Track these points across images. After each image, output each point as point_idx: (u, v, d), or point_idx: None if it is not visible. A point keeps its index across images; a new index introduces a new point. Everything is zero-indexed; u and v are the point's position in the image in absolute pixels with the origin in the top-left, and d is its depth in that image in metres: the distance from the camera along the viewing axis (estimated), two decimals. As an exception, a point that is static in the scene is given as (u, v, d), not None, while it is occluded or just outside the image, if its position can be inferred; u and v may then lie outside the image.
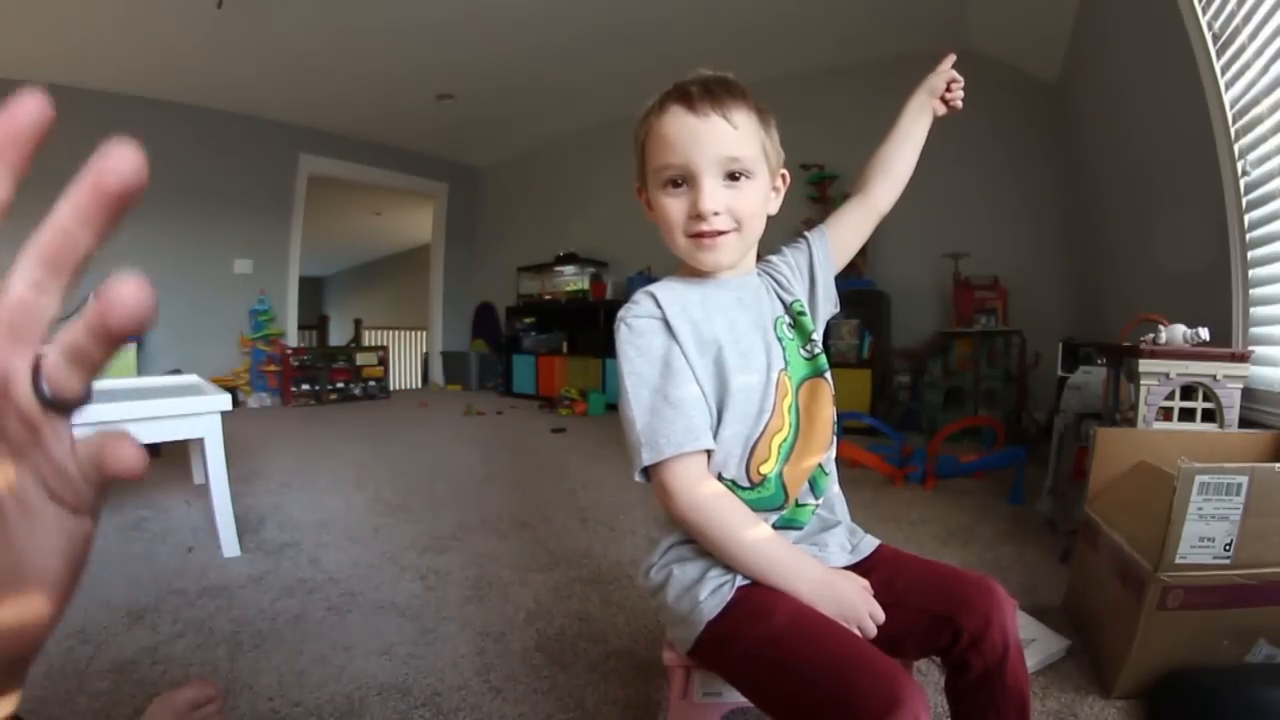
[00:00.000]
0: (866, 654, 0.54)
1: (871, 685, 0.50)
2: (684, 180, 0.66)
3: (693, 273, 0.72)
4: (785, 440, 0.68)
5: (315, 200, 5.54)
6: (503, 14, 3.47)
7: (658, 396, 0.64)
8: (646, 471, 0.65)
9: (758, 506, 0.66)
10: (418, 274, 7.69)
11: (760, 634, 0.59)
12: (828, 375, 0.73)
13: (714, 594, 0.63)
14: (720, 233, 0.66)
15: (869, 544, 0.74)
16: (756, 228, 0.70)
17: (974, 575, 0.65)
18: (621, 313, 0.68)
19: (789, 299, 0.76)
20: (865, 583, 0.63)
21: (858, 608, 0.60)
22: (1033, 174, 3.46)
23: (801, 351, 0.73)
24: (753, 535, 0.62)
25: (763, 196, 0.69)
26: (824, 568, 0.64)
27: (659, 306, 0.67)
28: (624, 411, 0.66)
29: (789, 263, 0.79)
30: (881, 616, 0.60)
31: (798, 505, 0.70)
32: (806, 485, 0.70)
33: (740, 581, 0.64)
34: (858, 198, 0.85)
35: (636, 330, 0.67)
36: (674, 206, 0.66)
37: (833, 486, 0.74)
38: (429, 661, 1.10)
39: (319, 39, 3.69)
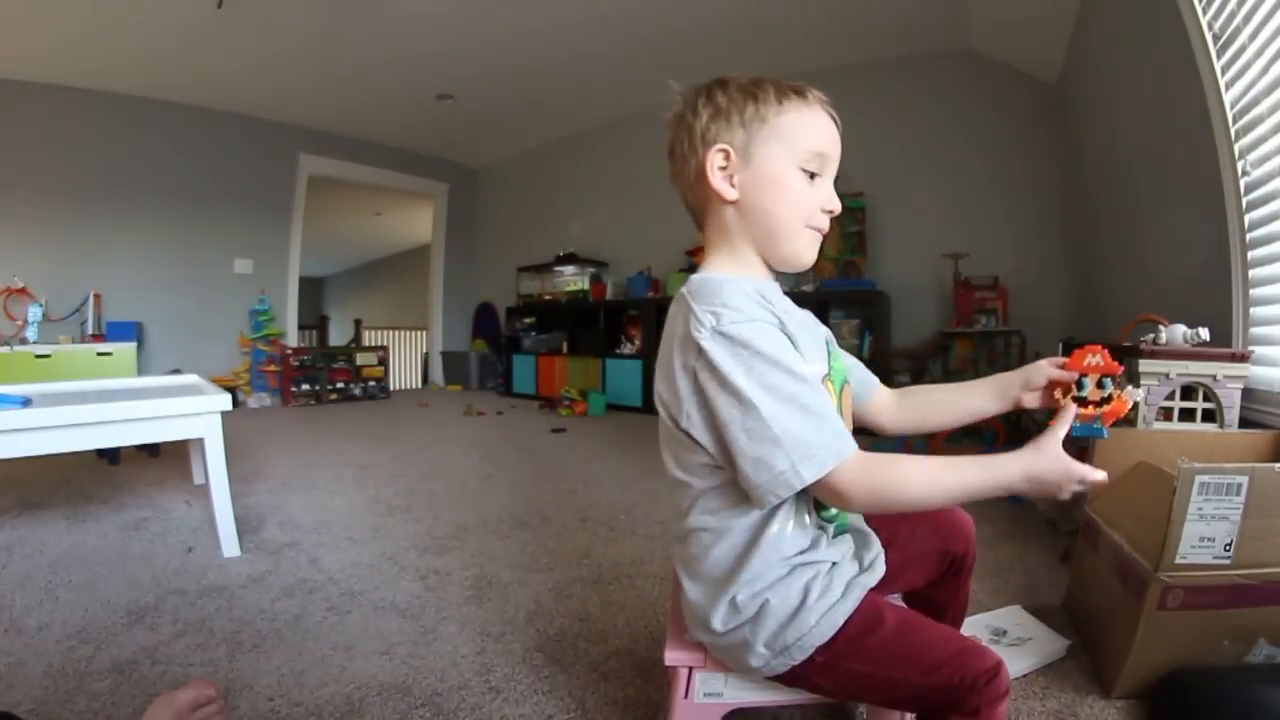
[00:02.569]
0: (960, 637, 0.62)
1: (977, 660, 0.58)
2: (815, 174, 0.66)
3: (744, 273, 0.68)
4: None
5: (315, 200, 5.54)
6: (503, 14, 3.47)
7: (794, 407, 0.57)
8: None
9: (826, 515, 0.67)
10: (418, 274, 7.70)
11: (878, 641, 0.62)
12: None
13: (825, 617, 0.62)
14: (824, 233, 0.68)
15: (861, 519, 0.77)
16: None
17: (944, 511, 0.80)
18: (722, 322, 0.59)
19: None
20: (1057, 456, 0.59)
21: (1065, 487, 0.59)
22: (1033, 174, 3.46)
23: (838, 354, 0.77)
24: (944, 482, 0.59)
25: None
26: (1020, 464, 0.59)
27: (767, 300, 0.63)
28: (754, 433, 0.57)
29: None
30: (1090, 476, 0.58)
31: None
32: None
33: (848, 605, 0.63)
34: (886, 400, 0.84)
35: (762, 334, 0.59)
36: (808, 194, 0.66)
37: None
38: (429, 661, 1.09)
39: (319, 39, 3.68)
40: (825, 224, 0.67)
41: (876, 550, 0.72)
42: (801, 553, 0.65)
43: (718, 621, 0.65)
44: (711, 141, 0.66)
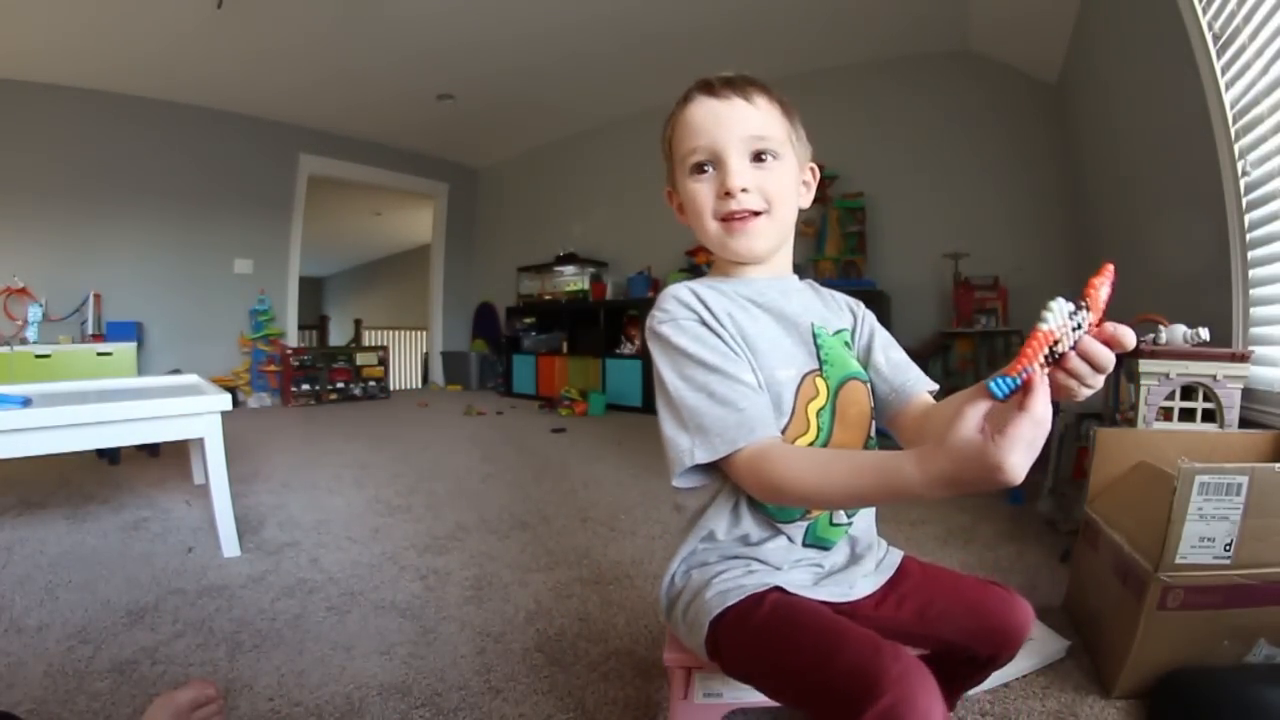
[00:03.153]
0: (849, 635, 0.51)
1: (854, 664, 0.48)
2: (711, 164, 0.66)
3: (722, 274, 0.71)
4: (810, 445, 0.64)
5: (315, 200, 5.54)
6: (503, 14, 3.47)
7: (702, 395, 0.60)
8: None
9: (779, 517, 0.65)
10: (418, 274, 7.70)
11: (750, 631, 0.59)
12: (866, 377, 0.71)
13: (718, 595, 0.62)
14: (752, 214, 0.65)
15: (894, 559, 0.73)
16: (788, 214, 0.68)
17: (998, 599, 0.66)
18: (653, 322, 0.66)
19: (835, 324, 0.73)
20: (959, 449, 0.43)
21: (990, 481, 0.41)
22: (1033, 174, 3.45)
23: (849, 351, 0.72)
24: (822, 485, 0.52)
25: (793, 181, 0.68)
26: (917, 467, 0.45)
27: (699, 300, 0.65)
28: (671, 416, 0.62)
29: (853, 306, 0.78)
30: (1016, 470, 0.41)
31: (831, 525, 0.67)
32: None
33: (743, 591, 0.61)
34: (915, 410, 0.69)
35: (679, 331, 0.63)
36: (702, 190, 0.66)
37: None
38: (429, 661, 1.09)
39: (319, 39, 3.68)
40: (735, 204, 0.64)
41: (853, 581, 0.68)
42: (747, 546, 0.66)
43: (663, 595, 0.70)
44: (668, 177, 0.74)
